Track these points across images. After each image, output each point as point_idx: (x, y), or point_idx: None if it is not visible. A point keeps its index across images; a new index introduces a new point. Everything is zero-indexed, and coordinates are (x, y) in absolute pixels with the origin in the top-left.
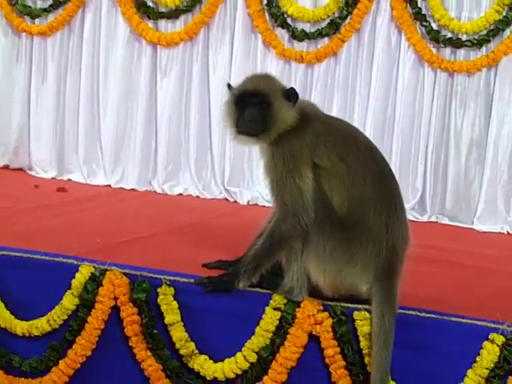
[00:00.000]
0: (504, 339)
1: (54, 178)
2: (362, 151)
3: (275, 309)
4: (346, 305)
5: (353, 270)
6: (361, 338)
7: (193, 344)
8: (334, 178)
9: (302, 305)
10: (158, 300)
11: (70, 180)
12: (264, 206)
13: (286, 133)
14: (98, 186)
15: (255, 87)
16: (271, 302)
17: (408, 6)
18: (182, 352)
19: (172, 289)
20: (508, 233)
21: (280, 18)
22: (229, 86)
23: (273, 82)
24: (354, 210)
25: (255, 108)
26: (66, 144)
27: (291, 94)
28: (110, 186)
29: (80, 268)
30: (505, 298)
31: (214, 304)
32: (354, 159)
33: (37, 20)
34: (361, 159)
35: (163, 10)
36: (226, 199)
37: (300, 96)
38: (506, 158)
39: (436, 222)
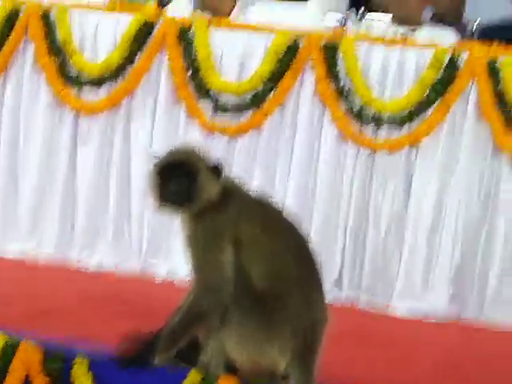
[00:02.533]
0: None
1: None
2: (284, 229)
3: None
4: (264, 382)
5: (271, 348)
6: None
7: None
8: (255, 255)
9: (219, 382)
10: (72, 372)
11: None
12: (181, 281)
13: (209, 206)
14: (14, 254)
15: (180, 159)
16: (187, 377)
17: (332, 82)
18: None
19: (86, 361)
20: (425, 316)
21: (204, 90)
22: (155, 157)
23: (197, 155)
24: (275, 287)
25: (179, 180)
26: None
27: (216, 169)
28: (25, 254)
29: None
30: None
31: (131, 379)
32: (275, 236)
33: None
34: (282, 236)
35: (86, 78)
36: (143, 272)
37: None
38: (424, 238)
39: (352, 302)
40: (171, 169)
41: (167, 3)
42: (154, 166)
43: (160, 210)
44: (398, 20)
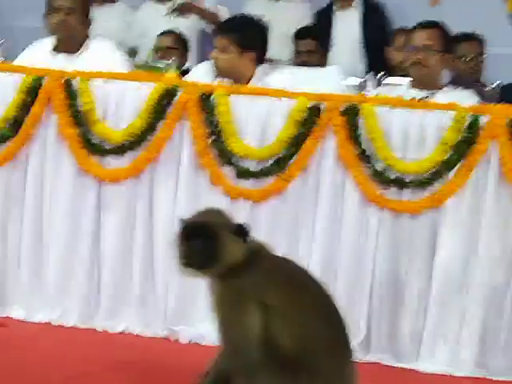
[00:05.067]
0: None
1: None
2: (311, 293)
3: None
4: None
5: None
6: None
7: None
8: (283, 318)
9: None
10: None
11: (8, 316)
12: (207, 346)
13: (236, 269)
14: (39, 322)
15: (201, 220)
16: None
17: (354, 145)
18: None
19: None
20: (451, 375)
21: (226, 156)
22: (181, 220)
23: (221, 217)
24: (303, 351)
25: (200, 241)
26: (7, 279)
27: (240, 230)
28: (50, 322)
29: None
30: None
31: None
32: (303, 300)
33: None
34: (310, 301)
35: (109, 146)
36: (168, 338)
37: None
38: (451, 299)
39: (380, 362)
40: (193, 230)
41: (186, 72)
42: (178, 227)
43: (184, 272)
44: (417, 83)
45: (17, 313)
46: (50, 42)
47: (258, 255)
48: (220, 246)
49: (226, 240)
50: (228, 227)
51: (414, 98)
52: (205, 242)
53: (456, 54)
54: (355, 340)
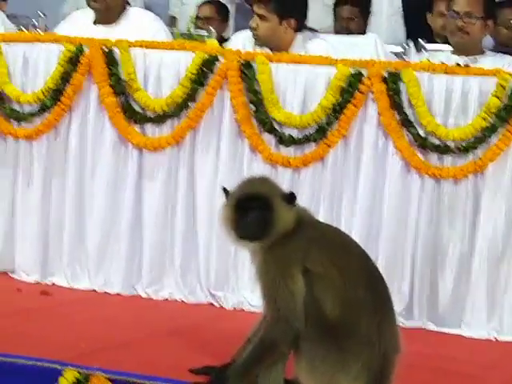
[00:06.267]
0: None
1: (37, 282)
2: (353, 258)
3: None
4: None
5: (345, 379)
6: None
7: None
8: (325, 284)
9: None
10: None
11: (53, 284)
12: (250, 312)
13: (280, 236)
14: (82, 290)
15: (257, 191)
16: None
17: (395, 112)
18: None
19: None
20: (495, 339)
21: (267, 124)
22: (224, 189)
23: (272, 186)
24: (346, 316)
25: (257, 212)
26: (50, 247)
27: (290, 198)
28: (93, 290)
29: (64, 372)
30: None
31: None
32: (346, 265)
33: (23, 124)
34: (352, 265)
35: (150, 114)
36: (212, 304)
37: None
38: (493, 264)
39: (423, 327)
40: (249, 201)
41: (226, 41)
42: (230, 198)
43: (239, 244)
44: (459, 50)
45: (60, 281)
46: (89, 13)
47: (302, 221)
48: (276, 217)
49: (281, 210)
50: (280, 196)
51: (457, 64)
52: (262, 214)
53: (498, 20)
54: (398, 305)
